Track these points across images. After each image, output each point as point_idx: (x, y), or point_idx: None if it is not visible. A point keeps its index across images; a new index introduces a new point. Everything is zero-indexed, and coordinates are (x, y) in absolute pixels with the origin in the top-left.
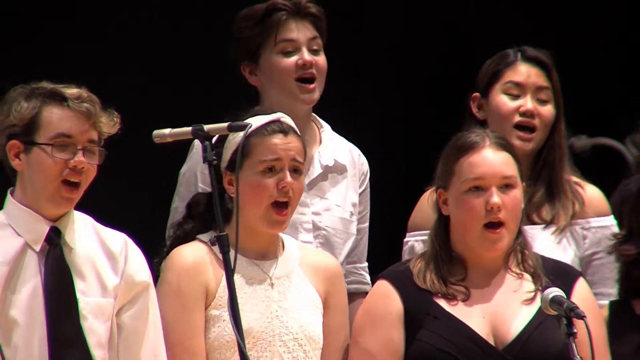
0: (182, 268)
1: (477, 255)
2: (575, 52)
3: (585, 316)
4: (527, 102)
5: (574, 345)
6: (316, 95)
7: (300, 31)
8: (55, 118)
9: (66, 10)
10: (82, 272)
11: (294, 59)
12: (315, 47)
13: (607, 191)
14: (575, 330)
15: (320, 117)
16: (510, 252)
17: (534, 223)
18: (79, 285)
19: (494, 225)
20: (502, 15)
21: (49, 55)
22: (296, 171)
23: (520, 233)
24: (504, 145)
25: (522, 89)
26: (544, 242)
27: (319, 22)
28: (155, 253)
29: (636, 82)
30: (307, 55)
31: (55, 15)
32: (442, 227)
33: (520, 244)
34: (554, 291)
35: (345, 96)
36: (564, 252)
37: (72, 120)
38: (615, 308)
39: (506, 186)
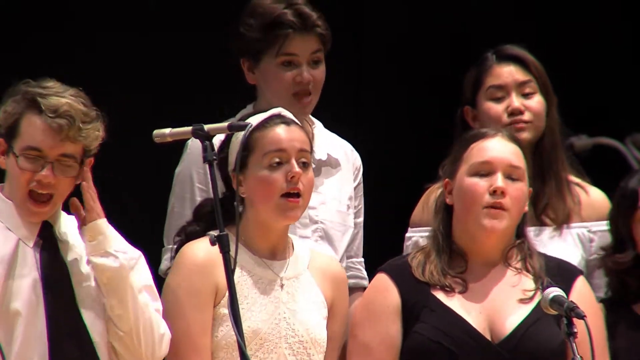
0: (193, 264)
1: (477, 245)
2: (575, 51)
3: (585, 316)
4: (513, 101)
5: (574, 345)
6: (309, 109)
7: (303, 47)
8: (30, 129)
9: (64, 9)
10: (77, 261)
11: (292, 73)
12: (315, 59)
13: (607, 191)
14: (575, 330)
15: (322, 118)
16: (511, 248)
17: (542, 221)
18: (75, 277)
19: (495, 207)
20: (503, 15)
21: (49, 53)
22: (304, 164)
23: (523, 233)
24: (516, 139)
25: (504, 90)
26: (546, 244)
27: (324, 38)
28: (145, 254)
29: (637, 82)
30: (305, 73)
31: (55, 16)
32: (446, 218)
33: (524, 243)
34: (554, 291)
35: (348, 96)
36: (570, 252)
37: (44, 134)
38: (612, 307)
39: (513, 177)
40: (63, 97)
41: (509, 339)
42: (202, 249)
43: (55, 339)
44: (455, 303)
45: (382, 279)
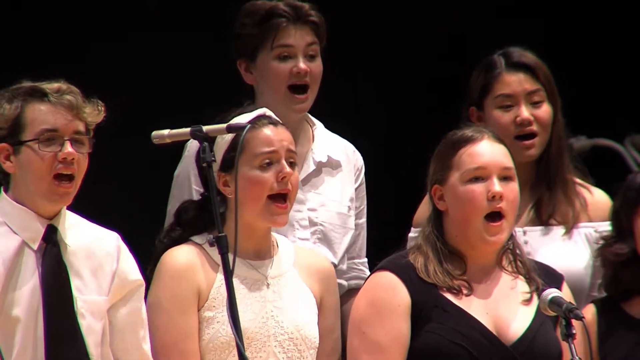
0: (174, 271)
1: (475, 250)
2: (574, 52)
3: (584, 317)
4: (522, 112)
5: (572, 346)
6: (307, 104)
7: (298, 38)
8: (38, 114)
9: (64, 10)
10: (78, 270)
11: (289, 65)
12: (311, 53)
13: (606, 192)
14: (574, 332)
15: (321, 117)
16: (503, 253)
17: (549, 224)
18: (75, 283)
19: (494, 216)
20: (502, 15)
21: (49, 54)
22: (291, 164)
23: (511, 234)
24: (500, 139)
25: (513, 99)
26: (555, 243)
27: (318, 29)
28: (144, 256)
29: (636, 83)
30: (302, 63)
31: (54, 16)
32: (438, 222)
33: (512, 245)
34: (553, 292)
35: (346, 96)
36: (580, 253)
37: (55, 114)
38: (603, 308)
39: (505, 178)
40: (56, 82)
41: (519, 343)
42: (182, 255)
43: (53, 345)
44: (464, 304)
45: (389, 277)
